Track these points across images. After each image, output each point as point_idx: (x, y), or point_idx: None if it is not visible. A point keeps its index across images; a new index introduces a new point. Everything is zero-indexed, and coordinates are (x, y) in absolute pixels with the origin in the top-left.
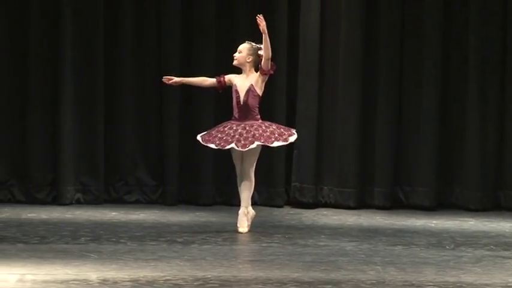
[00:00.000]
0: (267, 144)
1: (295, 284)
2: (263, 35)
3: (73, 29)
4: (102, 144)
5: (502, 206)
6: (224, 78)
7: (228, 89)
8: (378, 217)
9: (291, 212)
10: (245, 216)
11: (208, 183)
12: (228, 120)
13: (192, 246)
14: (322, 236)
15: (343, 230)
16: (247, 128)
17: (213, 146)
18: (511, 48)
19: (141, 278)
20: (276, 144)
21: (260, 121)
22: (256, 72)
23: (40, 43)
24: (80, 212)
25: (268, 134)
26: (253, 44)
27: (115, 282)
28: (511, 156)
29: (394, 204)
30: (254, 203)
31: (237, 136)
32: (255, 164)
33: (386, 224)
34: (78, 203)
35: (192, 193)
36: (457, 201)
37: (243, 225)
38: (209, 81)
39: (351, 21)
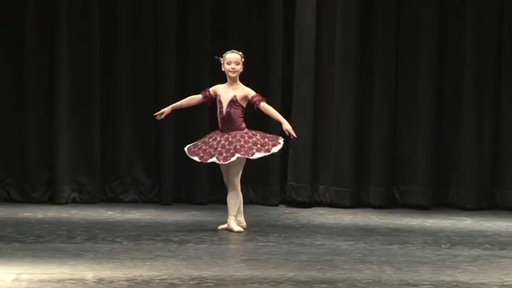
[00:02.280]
0: (247, 156)
1: (291, 283)
2: (281, 121)
3: (69, 28)
4: (98, 143)
5: (498, 205)
6: (209, 91)
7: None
8: (373, 216)
9: (287, 211)
10: (234, 221)
11: (204, 183)
12: (215, 130)
13: (188, 245)
14: (318, 235)
15: (339, 229)
16: (229, 139)
17: (196, 158)
18: (507, 49)
19: (137, 277)
20: (256, 155)
21: (245, 131)
22: (240, 81)
23: (36, 43)
24: (76, 211)
25: (250, 145)
26: (240, 53)
27: (111, 282)
28: (507, 156)
29: (390, 203)
30: (250, 202)
31: (219, 149)
32: (239, 174)
33: (382, 223)
34: (74, 202)
35: (188, 192)
36: (453, 200)
37: (236, 227)
38: (196, 98)
39: (346, 19)
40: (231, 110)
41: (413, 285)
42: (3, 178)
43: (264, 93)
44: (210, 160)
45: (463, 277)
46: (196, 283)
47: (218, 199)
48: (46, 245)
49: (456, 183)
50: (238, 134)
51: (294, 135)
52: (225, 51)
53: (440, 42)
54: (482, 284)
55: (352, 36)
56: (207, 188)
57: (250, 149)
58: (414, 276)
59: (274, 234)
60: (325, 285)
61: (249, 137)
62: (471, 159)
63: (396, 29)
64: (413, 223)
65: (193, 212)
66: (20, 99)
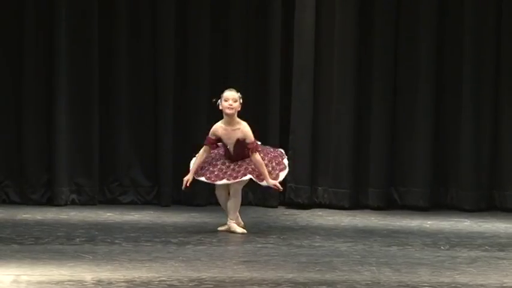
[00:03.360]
0: (257, 181)
1: (290, 284)
2: (266, 178)
3: (68, 29)
4: (97, 145)
5: (497, 206)
6: (213, 139)
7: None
8: (372, 218)
9: (286, 213)
10: (234, 224)
11: (203, 184)
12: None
13: (187, 247)
14: (317, 237)
15: (338, 230)
16: (239, 163)
17: (202, 179)
18: (506, 49)
19: (136, 279)
20: (264, 183)
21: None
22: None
23: (34, 43)
24: (75, 212)
25: (254, 170)
26: (238, 93)
27: (110, 283)
28: (506, 157)
29: (389, 204)
30: (249, 203)
31: (229, 172)
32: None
33: (381, 224)
34: (73, 203)
35: (187, 194)
36: (452, 201)
37: (240, 229)
38: (207, 151)
39: (345, 20)
40: (239, 149)
41: (412, 287)
42: (2, 180)
43: (263, 94)
44: (220, 182)
45: (462, 278)
46: (196, 284)
47: (217, 201)
48: (45, 246)
49: (455, 184)
50: (247, 159)
51: (281, 188)
52: (224, 52)
53: (439, 42)
54: (481, 285)
55: (351, 37)
56: (206, 190)
57: (259, 176)
58: (413, 278)
59: (273, 236)
60: (324, 287)
61: (254, 165)
62: (470, 161)
63: (395, 29)
64: (412, 224)
65: (192, 214)
66: (19, 100)
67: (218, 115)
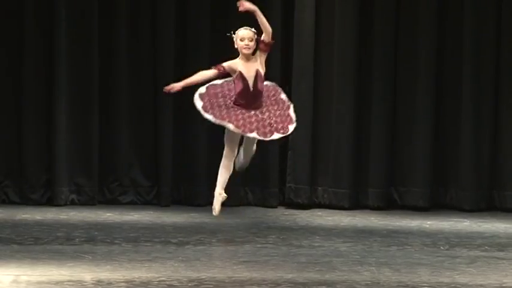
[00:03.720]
0: (284, 134)
1: (289, 284)
2: (255, 14)
3: (68, 29)
4: (97, 145)
5: (497, 206)
6: (224, 67)
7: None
8: (372, 218)
9: (286, 213)
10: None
11: (203, 184)
12: (232, 97)
13: (187, 247)
14: (317, 237)
15: (338, 230)
16: (259, 116)
17: (230, 126)
18: (506, 50)
19: (135, 279)
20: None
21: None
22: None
23: (34, 43)
24: (75, 213)
25: (278, 122)
26: (253, 30)
27: (109, 283)
28: (505, 157)
29: (389, 204)
30: (248, 204)
31: (255, 124)
32: None
33: (380, 224)
34: (73, 203)
35: (187, 194)
36: (452, 201)
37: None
38: (208, 74)
39: (345, 20)
40: (258, 84)
41: (412, 287)
42: (2, 180)
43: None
44: (251, 135)
45: (461, 279)
46: (195, 285)
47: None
48: (44, 246)
49: (455, 184)
50: (264, 109)
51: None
52: (224, 51)
53: (439, 43)
54: (481, 285)
55: (351, 37)
56: (206, 190)
57: (283, 126)
58: (413, 278)
59: (273, 236)
60: (323, 287)
61: (273, 115)
62: (469, 161)
63: (395, 29)
64: (412, 224)
65: (192, 214)
66: (18, 100)
67: None
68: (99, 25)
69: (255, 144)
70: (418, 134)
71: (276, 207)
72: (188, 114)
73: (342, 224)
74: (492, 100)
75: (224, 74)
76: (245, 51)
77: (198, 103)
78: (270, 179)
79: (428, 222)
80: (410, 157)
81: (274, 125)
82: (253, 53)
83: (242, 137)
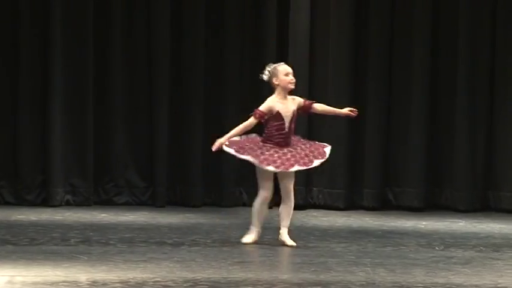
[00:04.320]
0: (322, 160)
1: (284, 285)
2: (337, 112)
3: (63, 30)
4: (92, 145)
5: (491, 207)
6: (263, 112)
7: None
8: (367, 218)
9: None
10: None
11: (198, 185)
12: (260, 140)
13: (182, 247)
14: (312, 237)
15: (333, 231)
16: (293, 151)
17: (271, 168)
18: (500, 51)
19: (130, 280)
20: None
21: (295, 140)
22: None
23: (30, 45)
24: (70, 213)
25: (312, 151)
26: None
27: (104, 284)
28: (500, 157)
29: (384, 205)
30: (243, 204)
31: (295, 157)
32: None
33: (375, 225)
34: (68, 204)
35: (182, 194)
36: (447, 202)
37: (290, 241)
38: (251, 124)
39: (340, 21)
40: (293, 125)
41: (407, 287)
42: None
43: (258, 95)
44: (293, 169)
45: (456, 279)
46: (190, 285)
47: (212, 202)
48: (40, 247)
49: (449, 185)
50: (294, 145)
51: (356, 112)
52: (219, 52)
53: (434, 43)
54: (476, 286)
55: (346, 38)
56: (201, 191)
57: (319, 152)
58: (408, 278)
59: (268, 237)
60: (319, 287)
61: (304, 146)
62: (464, 161)
63: (390, 30)
64: (407, 225)
65: (187, 215)
66: (14, 101)
67: (213, 118)
68: (95, 25)
69: (289, 184)
70: (413, 135)
71: (270, 207)
72: (183, 115)
73: (337, 224)
74: (487, 101)
75: (264, 118)
76: (291, 86)
77: (229, 149)
78: None
79: (423, 223)
80: (405, 158)
81: (311, 154)
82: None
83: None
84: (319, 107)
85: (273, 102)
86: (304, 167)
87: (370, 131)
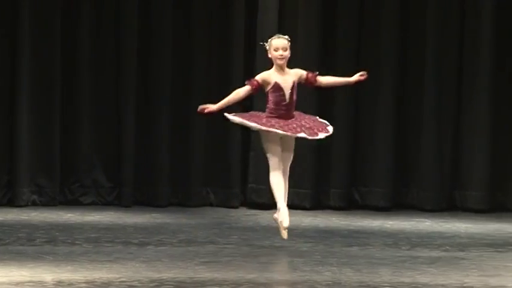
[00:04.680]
0: (327, 134)
1: (251, 285)
2: (346, 81)
3: (30, 29)
4: (58, 145)
5: (458, 206)
6: (257, 81)
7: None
8: (333, 218)
9: (247, 213)
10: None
11: (164, 185)
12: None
13: (148, 247)
14: (278, 237)
15: (299, 231)
16: (297, 122)
17: (278, 130)
18: (467, 50)
19: (96, 280)
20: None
21: (297, 114)
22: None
23: None
24: (36, 213)
25: (316, 126)
26: (287, 37)
27: (70, 284)
28: (466, 158)
29: (350, 205)
30: (210, 204)
31: (298, 128)
32: None
33: (342, 224)
34: (34, 204)
35: (148, 194)
36: (413, 201)
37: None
38: (243, 91)
39: (308, 20)
40: (293, 96)
41: (373, 287)
42: None
43: (226, 94)
44: (300, 134)
45: (422, 278)
46: (156, 285)
47: (178, 202)
48: (6, 247)
49: (416, 184)
50: (298, 117)
51: (365, 74)
52: (186, 53)
53: (402, 43)
54: (442, 285)
55: (315, 38)
56: (167, 191)
57: (323, 127)
58: (374, 278)
59: (235, 236)
60: (285, 287)
61: (308, 120)
62: (431, 161)
63: (358, 30)
64: (374, 225)
65: (153, 215)
66: None
67: (182, 116)
68: (62, 25)
69: (288, 162)
70: (380, 135)
71: (237, 207)
72: (150, 114)
73: (304, 224)
74: (454, 101)
75: (258, 88)
76: (279, 61)
77: (235, 118)
78: (231, 179)
79: (390, 222)
80: (372, 157)
81: (315, 128)
82: (288, 66)
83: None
84: (324, 80)
85: (268, 74)
86: (310, 137)
87: (337, 131)
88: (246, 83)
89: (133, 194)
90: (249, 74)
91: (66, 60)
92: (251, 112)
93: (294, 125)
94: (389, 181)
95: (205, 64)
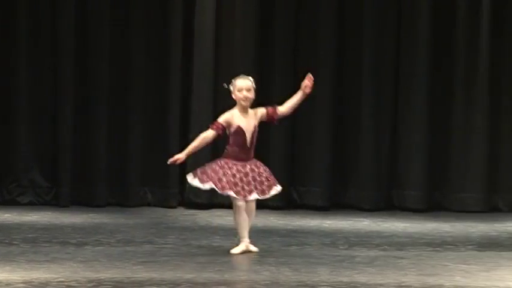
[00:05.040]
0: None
1: (189, 284)
2: (301, 95)
3: None
4: None
5: (396, 206)
6: (222, 125)
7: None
8: (272, 217)
9: (185, 213)
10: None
11: (102, 185)
12: (222, 159)
13: (86, 247)
14: (217, 237)
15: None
16: (255, 170)
17: (232, 193)
18: (404, 50)
19: (34, 280)
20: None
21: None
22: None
23: None
24: None
25: (271, 176)
26: (251, 79)
27: (8, 284)
28: (404, 157)
29: (288, 204)
30: (148, 204)
31: (253, 184)
32: None
33: (280, 224)
34: None
35: (85, 194)
36: (351, 201)
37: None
38: (208, 137)
39: (246, 21)
40: (254, 140)
41: (311, 286)
42: None
43: (164, 93)
44: (251, 197)
45: (360, 278)
46: (94, 285)
47: (116, 201)
48: None
49: (354, 184)
50: (258, 163)
51: (311, 78)
52: (123, 52)
53: (339, 43)
54: (380, 284)
55: (252, 37)
56: (105, 191)
57: (275, 180)
58: (312, 277)
59: (172, 236)
60: (223, 287)
61: (265, 168)
62: (369, 161)
63: (295, 30)
64: (312, 224)
65: (90, 215)
66: None
67: (119, 116)
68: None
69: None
70: (318, 134)
71: (175, 207)
72: (87, 114)
73: None
74: (391, 101)
75: (224, 131)
76: (244, 103)
77: (194, 180)
78: (169, 179)
79: (328, 222)
80: (310, 157)
81: (270, 179)
82: (251, 106)
83: None
84: (284, 108)
85: (231, 115)
86: (262, 197)
87: (275, 131)
88: (210, 127)
89: (70, 194)
90: (186, 74)
91: (3, 59)
92: (210, 164)
93: (250, 179)
94: (328, 181)
95: (142, 64)
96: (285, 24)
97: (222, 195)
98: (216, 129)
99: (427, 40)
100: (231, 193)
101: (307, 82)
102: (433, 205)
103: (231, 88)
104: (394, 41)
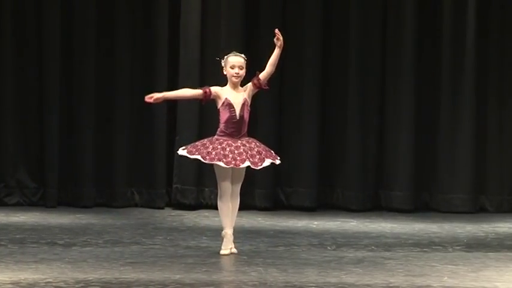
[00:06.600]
0: (274, 161)
1: (177, 285)
2: (277, 50)
3: None
4: None
5: (383, 206)
6: (210, 90)
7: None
8: (259, 218)
9: (173, 214)
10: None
11: (89, 185)
12: (214, 136)
13: (73, 248)
14: (204, 238)
15: None
16: (247, 145)
17: (221, 164)
18: (390, 50)
19: (21, 281)
20: (278, 162)
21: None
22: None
23: None
24: None
25: (268, 150)
26: (243, 56)
27: None
28: (391, 158)
29: (276, 205)
30: (135, 205)
31: (247, 153)
32: None
33: (267, 225)
34: None
35: (73, 195)
36: (338, 202)
37: (228, 247)
38: (192, 92)
39: (231, 21)
40: (244, 114)
41: (299, 287)
42: None
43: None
44: (243, 165)
45: (348, 278)
46: (82, 286)
47: (103, 202)
48: None
49: (341, 184)
50: (250, 140)
51: (278, 32)
52: (109, 52)
53: (325, 42)
54: (368, 285)
55: (237, 38)
56: (92, 191)
57: (272, 154)
58: (300, 278)
59: (160, 237)
60: None
61: (259, 144)
62: (355, 161)
63: (281, 28)
64: (299, 225)
65: (78, 215)
66: None
67: (106, 118)
68: None
69: (237, 185)
70: (305, 135)
71: (163, 208)
72: (74, 115)
73: None
74: (378, 102)
75: (208, 98)
76: (234, 79)
77: (183, 151)
78: (156, 179)
79: (315, 223)
80: (297, 158)
81: (263, 152)
82: (242, 83)
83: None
84: (265, 72)
85: (221, 88)
86: (253, 167)
87: (261, 131)
88: (199, 88)
89: (58, 194)
90: (172, 74)
91: None
92: (202, 140)
93: (241, 150)
94: (315, 181)
95: (128, 64)
96: (271, 24)
97: (209, 197)
98: (203, 90)
99: (413, 40)
100: (220, 163)
101: (277, 36)
102: (420, 206)
103: (223, 63)
104: (380, 40)
